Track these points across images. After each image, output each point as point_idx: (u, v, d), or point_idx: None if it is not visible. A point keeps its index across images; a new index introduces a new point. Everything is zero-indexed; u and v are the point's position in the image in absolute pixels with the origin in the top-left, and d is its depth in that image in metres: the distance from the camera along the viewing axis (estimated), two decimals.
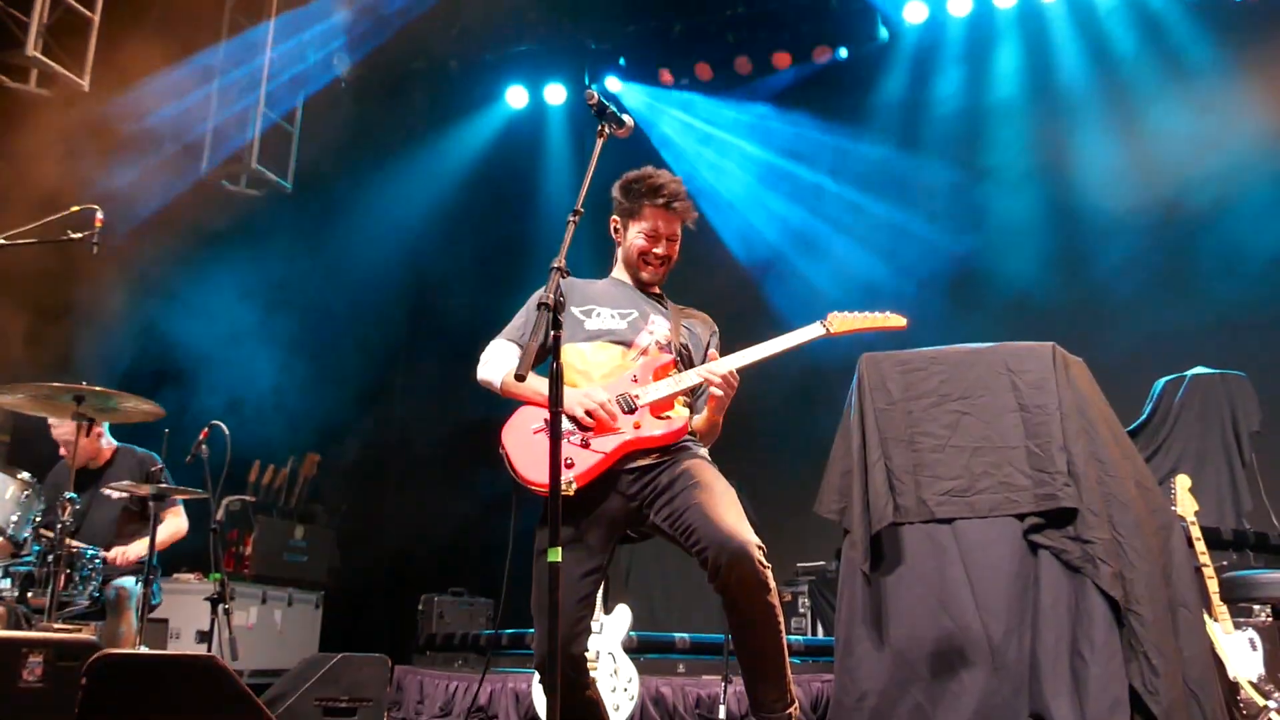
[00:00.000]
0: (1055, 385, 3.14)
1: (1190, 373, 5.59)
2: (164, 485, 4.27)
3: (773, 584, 2.52)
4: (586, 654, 2.66)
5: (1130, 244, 6.80)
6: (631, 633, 4.76)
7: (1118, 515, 3.01)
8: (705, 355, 2.89)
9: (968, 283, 7.33)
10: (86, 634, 3.81)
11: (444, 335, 8.35)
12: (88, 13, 6.08)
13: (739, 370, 2.75)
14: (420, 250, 8.42)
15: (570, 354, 2.82)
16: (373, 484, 8.68)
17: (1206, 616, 3.56)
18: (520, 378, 2.27)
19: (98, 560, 4.20)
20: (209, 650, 4.23)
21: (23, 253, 4.02)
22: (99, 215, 3.93)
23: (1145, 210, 6.80)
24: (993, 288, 7.27)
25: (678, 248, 3.00)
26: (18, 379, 4.09)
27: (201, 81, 7.34)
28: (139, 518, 4.68)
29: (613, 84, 8.68)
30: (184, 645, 5.97)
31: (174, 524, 4.74)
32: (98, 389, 3.87)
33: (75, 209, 3.96)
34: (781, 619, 2.56)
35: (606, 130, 2.63)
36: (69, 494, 3.85)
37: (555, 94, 8.85)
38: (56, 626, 3.67)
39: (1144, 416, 5.58)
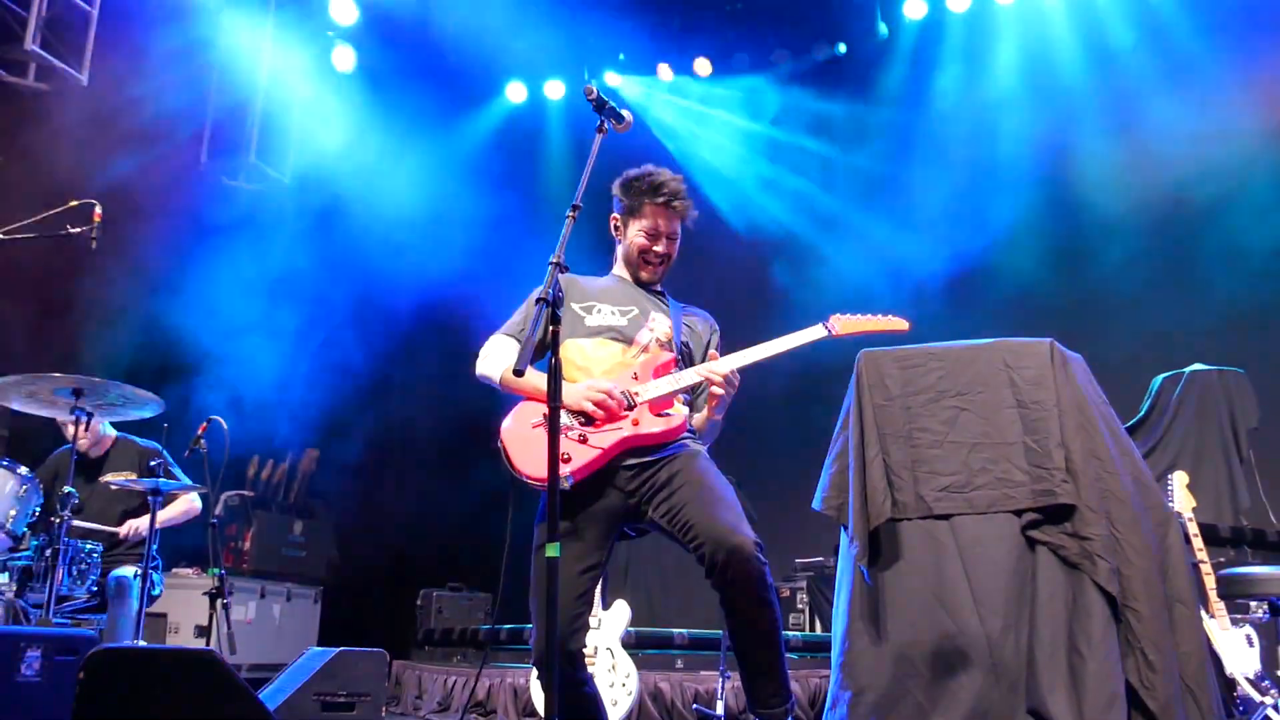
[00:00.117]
0: (1053, 381, 3.14)
1: (1188, 369, 5.59)
2: (163, 478, 4.26)
3: (770, 580, 2.52)
4: (584, 650, 2.66)
5: (1129, 241, 6.80)
6: (630, 628, 4.77)
7: (1115, 511, 3.01)
8: (706, 354, 2.90)
9: (966, 279, 7.33)
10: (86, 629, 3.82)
11: (443, 330, 8.34)
12: (86, 6, 6.07)
13: (740, 369, 2.76)
14: (420, 245, 8.42)
15: (570, 350, 2.83)
16: (372, 479, 8.69)
17: (1204, 613, 3.57)
18: (519, 373, 2.28)
19: (96, 554, 4.20)
20: (207, 645, 4.24)
21: (21, 248, 4.02)
22: (97, 210, 3.92)
23: (1144, 207, 6.80)
24: (992, 284, 7.27)
25: (677, 246, 3.01)
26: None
27: (200, 76, 7.33)
28: (141, 510, 4.68)
29: (612, 79, 8.68)
30: (183, 640, 5.98)
31: (187, 500, 4.74)
32: (96, 379, 3.87)
33: (74, 203, 3.95)
34: (779, 615, 2.56)
35: (606, 125, 2.63)
36: (67, 488, 3.85)
37: (555, 89, 8.85)
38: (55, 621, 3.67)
39: (1142, 413, 5.59)
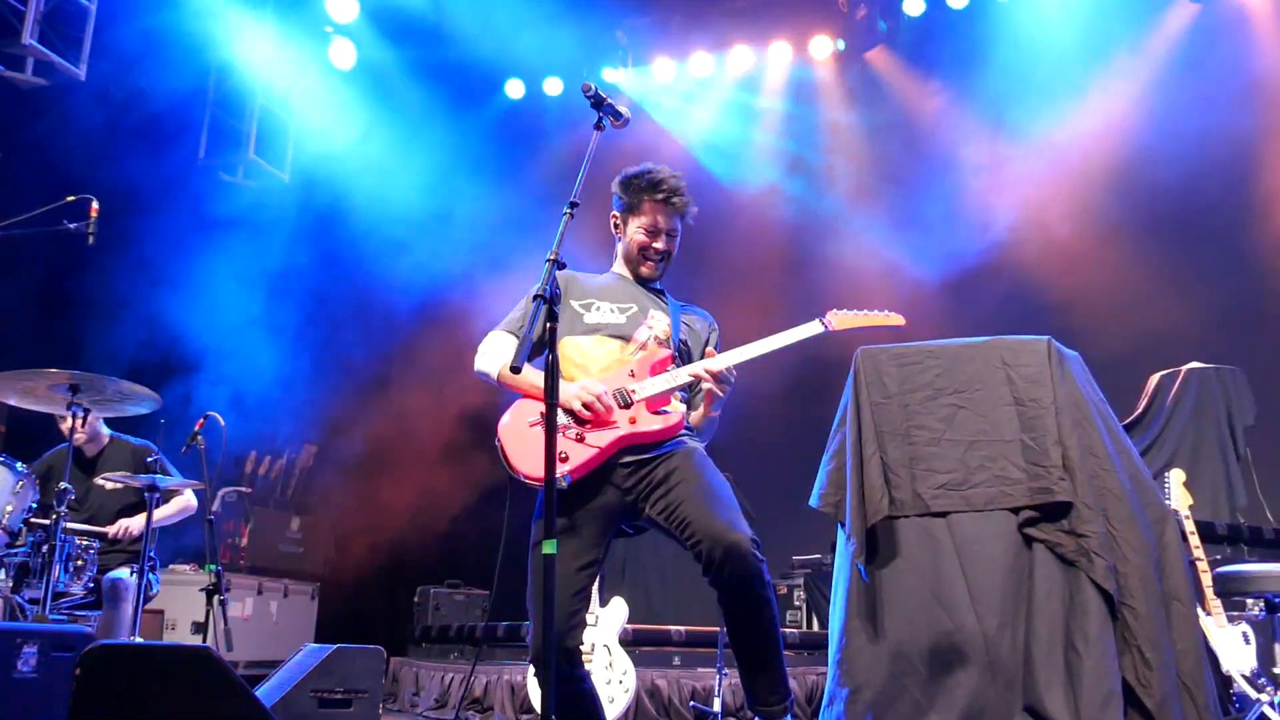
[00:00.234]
0: (1050, 379, 3.14)
1: (1185, 367, 5.60)
2: (159, 475, 4.26)
3: (767, 577, 2.52)
4: (582, 646, 2.66)
5: (1126, 239, 6.80)
6: (627, 626, 4.77)
7: (1112, 509, 3.02)
8: (704, 353, 2.90)
9: (965, 278, 7.33)
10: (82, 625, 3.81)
11: (442, 326, 8.34)
12: (85, 1, 6.05)
13: (736, 366, 2.76)
14: (419, 242, 8.41)
15: (569, 347, 2.83)
16: (369, 476, 8.68)
17: (1200, 610, 3.57)
18: (515, 370, 2.27)
19: (92, 550, 4.20)
20: (204, 641, 4.24)
21: (19, 243, 4.01)
22: (94, 205, 3.91)
23: (1142, 205, 6.80)
24: (989, 283, 7.27)
25: (677, 243, 3.01)
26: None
27: (198, 72, 7.32)
28: (136, 507, 4.67)
29: (610, 75, 8.67)
30: (180, 636, 5.98)
31: (183, 499, 4.73)
32: (93, 375, 3.86)
33: (71, 199, 3.94)
34: (776, 612, 2.56)
35: (604, 122, 2.63)
36: (63, 484, 3.84)
37: (553, 86, 8.85)
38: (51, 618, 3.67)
39: (1139, 411, 5.60)
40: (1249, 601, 3.95)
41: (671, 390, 2.76)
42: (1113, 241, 6.83)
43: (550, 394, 2.20)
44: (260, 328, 7.21)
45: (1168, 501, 3.86)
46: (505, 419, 2.71)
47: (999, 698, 2.94)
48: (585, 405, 2.64)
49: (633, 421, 2.67)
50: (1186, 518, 3.88)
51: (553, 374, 2.22)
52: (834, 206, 8.21)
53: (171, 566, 6.16)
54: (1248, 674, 3.60)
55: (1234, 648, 3.67)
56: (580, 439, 2.63)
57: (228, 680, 2.66)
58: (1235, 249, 6.37)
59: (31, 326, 6.19)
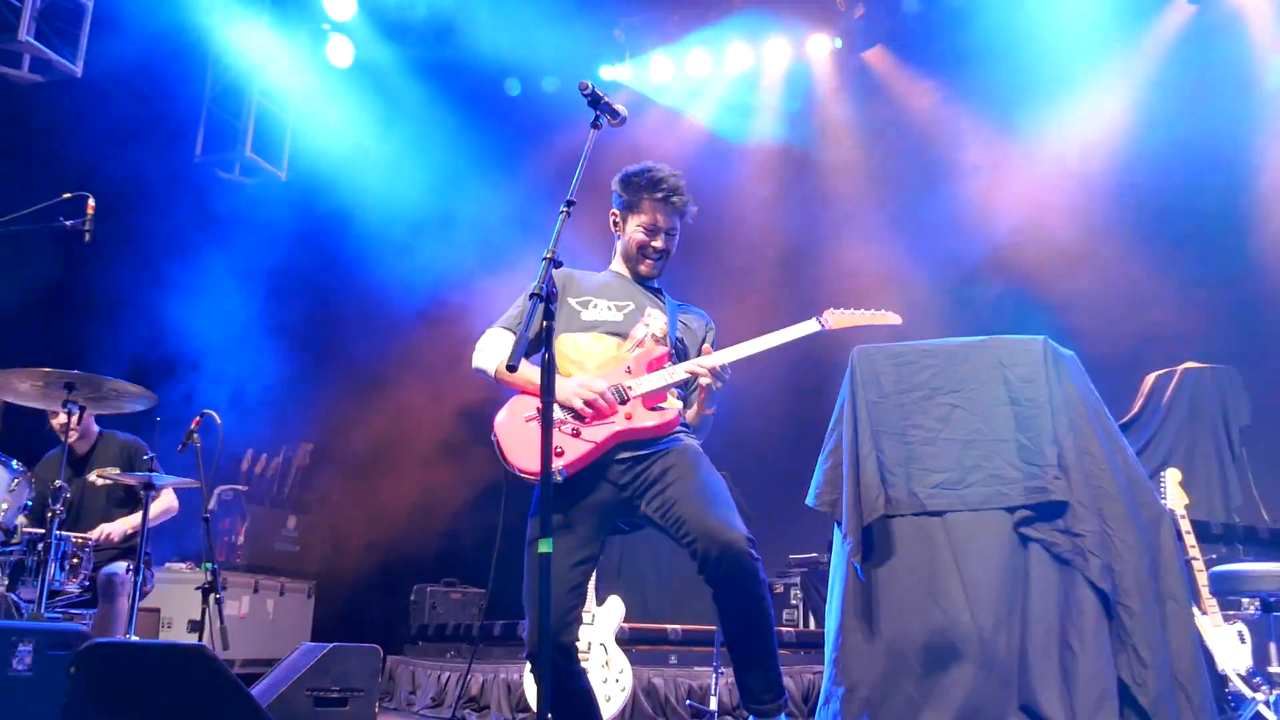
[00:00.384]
0: (1046, 379, 3.15)
1: (1180, 367, 5.61)
2: (154, 472, 4.25)
3: (763, 576, 2.53)
4: (578, 644, 2.66)
5: (1123, 239, 6.81)
6: (623, 624, 4.77)
7: (1108, 508, 3.02)
8: (700, 351, 2.91)
9: (962, 276, 7.34)
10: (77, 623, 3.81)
11: (439, 323, 8.33)
12: None
13: (732, 363, 2.76)
14: (417, 239, 8.40)
15: (566, 344, 2.83)
16: (366, 474, 8.67)
17: (1196, 609, 3.58)
18: (512, 368, 2.28)
19: (87, 548, 4.19)
20: (200, 640, 4.23)
21: (15, 240, 4.00)
22: (90, 202, 3.90)
23: (1138, 205, 6.81)
24: (987, 282, 7.28)
25: (676, 241, 3.01)
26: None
27: (195, 69, 7.31)
28: (126, 503, 4.66)
29: (608, 73, 8.67)
30: (176, 634, 5.97)
31: (164, 501, 4.69)
32: (88, 374, 3.85)
33: (67, 195, 3.93)
34: (771, 611, 2.57)
35: (601, 121, 2.63)
36: (58, 481, 3.84)
37: (552, 84, 8.84)
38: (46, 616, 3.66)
39: (1135, 410, 5.61)
40: (1244, 601, 3.96)
41: (668, 387, 2.76)
42: (1110, 242, 6.83)
43: (546, 391, 2.21)
44: (256, 325, 7.21)
45: (1163, 501, 3.87)
46: (501, 415, 2.72)
47: (994, 696, 2.94)
48: (587, 402, 2.64)
49: (629, 418, 2.67)
50: (1182, 517, 3.89)
51: (549, 371, 2.23)
52: (831, 206, 8.20)
53: (168, 565, 6.15)
54: (1243, 673, 3.61)
55: (1229, 647, 3.68)
56: (576, 434, 2.64)
57: (223, 678, 2.66)
58: (1232, 249, 6.37)
59: (26, 324, 6.18)
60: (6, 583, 3.90)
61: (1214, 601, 3.77)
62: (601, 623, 4.60)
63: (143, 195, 6.58)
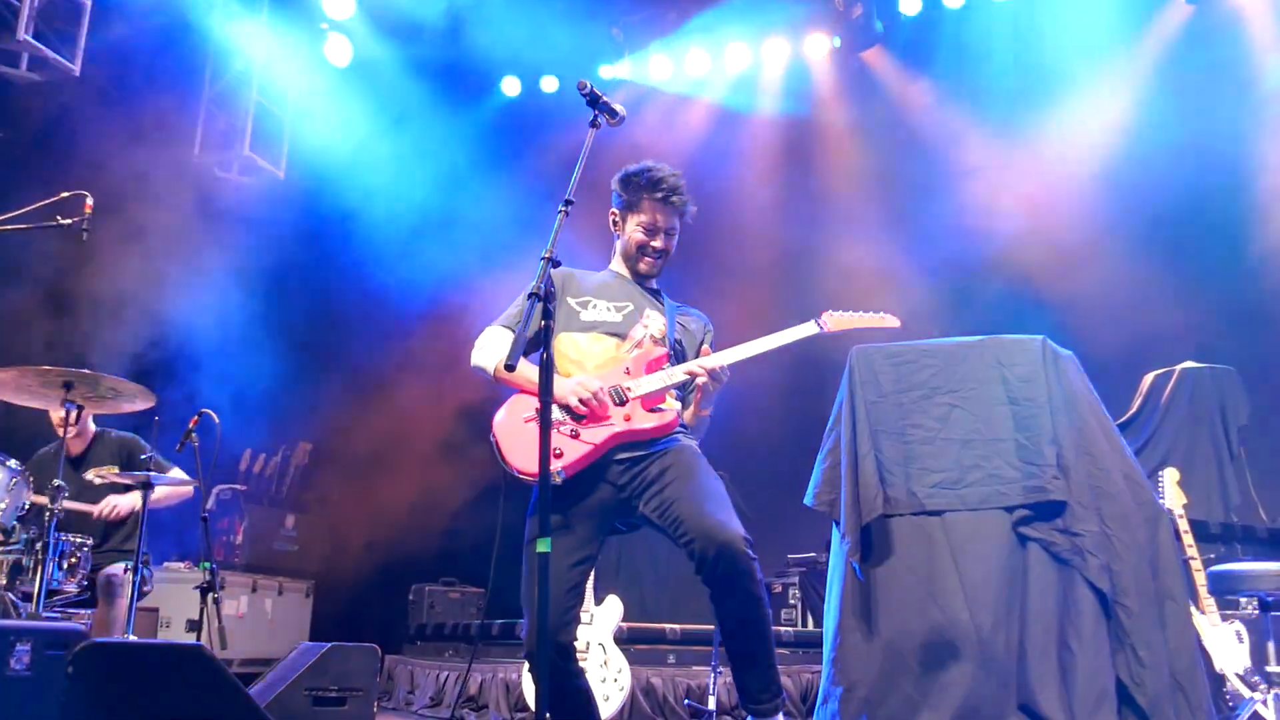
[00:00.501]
0: (1045, 379, 3.15)
1: (1179, 367, 5.61)
2: (152, 472, 4.24)
3: (760, 576, 2.53)
4: (576, 643, 2.66)
5: (1122, 239, 6.80)
6: (622, 624, 4.77)
7: (1106, 508, 3.02)
8: (699, 353, 2.91)
9: (961, 277, 7.33)
10: (76, 622, 3.80)
11: (439, 322, 8.32)
12: None
13: (730, 365, 2.77)
14: (416, 238, 8.40)
15: (565, 344, 2.83)
16: (364, 473, 8.67)
17: (1194, 609, 3.58)
18: (510, 367, 2.28)
19: (86, 548, 4.19)
20: (199, 639, 4.23)
21: (13, 239, 3.99)
22: (88, 201, 3.90)
23: (1137, 205, 6.81)
24: (986, 282, 7.28)
25: (675, 241, 3.01)
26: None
27: (193, 68, 7.30)
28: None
29: (607, 72, 8.67)
30: (174, 634, 5.96)
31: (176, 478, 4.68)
32: (86, 372, 3.85)
33: (65, 194, 3.92)
34: (769, 611, 2.57)
35: (599, 120, 2.63)
36: (56, 480, 3.83)
37: (550, 84, 8.84)
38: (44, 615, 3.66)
39: (1134, 410, 5.61)
40: (1242, 600, 3.97)
41: (666, 388, 2.76)
42: (1109, 242, 6.83)
43: (545, 391, 2.21)
44: (254, 323, 7.19)
45: (1162, 500, 3.88)
46: (500, 415, 2.72)
47: (993, 696, 2.94)
48: (584, 402, 2.64)
49: (627, 419, 2.67)
50: (1180, 516, 3.89)
51: (547, 371, 2.23)
52: (831, 206, 8.20)
53: (166, 564, 6.14)
54: (1241, 672, 3.61)
55: (1227, 646, 3.68)
56: (575, 435, 2.64)
57: (220, 678, 2.66)
58: (1231, 250, 6.37)
59: (26, 324, 6.17)
60: (4, 581, 3.90)
61: (1212, 601, 3.77)
62: (600, 622, 4.60)
63: (141, 194, 6.57)
